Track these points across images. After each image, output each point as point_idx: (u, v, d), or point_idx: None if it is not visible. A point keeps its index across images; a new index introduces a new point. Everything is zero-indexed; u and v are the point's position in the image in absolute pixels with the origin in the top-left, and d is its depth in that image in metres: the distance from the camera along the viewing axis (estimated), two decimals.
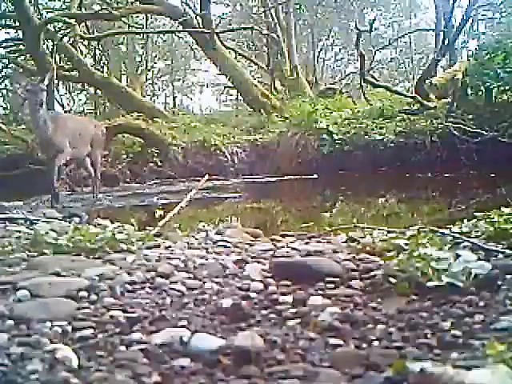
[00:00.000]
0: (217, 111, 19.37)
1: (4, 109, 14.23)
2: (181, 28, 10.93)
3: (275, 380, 0.88)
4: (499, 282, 1.27)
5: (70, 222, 3.17)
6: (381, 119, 8.36)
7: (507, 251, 1.51)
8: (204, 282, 1.49)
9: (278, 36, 13.12)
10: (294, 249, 1.91)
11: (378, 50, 14.08)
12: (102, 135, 6.52)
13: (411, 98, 8.37)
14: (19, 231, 2.50)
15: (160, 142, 8.77)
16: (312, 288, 1.40)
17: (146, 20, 14.17)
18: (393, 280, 1.35)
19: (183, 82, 22.30)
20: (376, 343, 1.02)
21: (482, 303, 1.17)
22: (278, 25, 13.40)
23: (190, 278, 1.54)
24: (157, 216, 2.94)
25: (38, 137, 5.66)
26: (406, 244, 1.59)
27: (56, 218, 3.67)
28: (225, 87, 19.20)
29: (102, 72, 12.86)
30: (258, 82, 13.16)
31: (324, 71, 21.07)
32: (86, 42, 12.99)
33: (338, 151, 7.99)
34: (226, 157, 8.99)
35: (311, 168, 7.69)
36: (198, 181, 5.06)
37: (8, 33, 12.10)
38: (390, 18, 23.00)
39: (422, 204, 5.23)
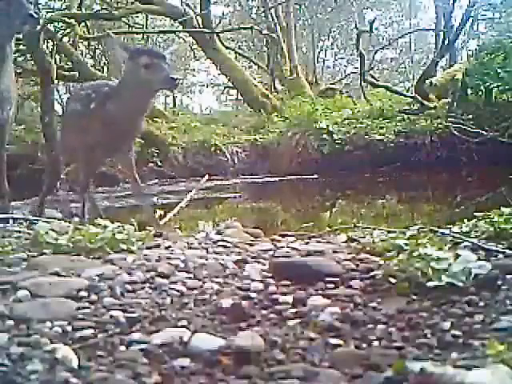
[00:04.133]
0: (217, 111, 19.38)
1: None
2: (181, 28, 10.93)
3: (275, 380, 0.88)
4: (499, 282, 1.27)
5: (70, 222, 3.16)
6: (381, 119, 8.37)
7: (507, 251, 1.51)
8: (204, 282, 1.49)
9: (277, 36, 13.11)
10: (294, 249, 1.91)
11: (378, 50, 14.11)
12: None
13: (411, 97, 8.38)
14: (19, 231, 2.50)
15: (160, 142, 8.77)
16: (312, 288, 1.39)
17: (146, 20, 14.16)
18: (393, 280, 1.35)
19: (183, 82, 22.30)
20: (376, 343, 1.02)
21: (482, 303, 1.17)
22: (277, 25, 13.39)
23: (190, 278, 1.54)
24: (157, 216, 2.94)
25: None
26: (406, 244, 1.59)
27: (56, 218, 3.67)
28: (225, 87, 19.22)
29: (102, 72, 12.86)
30: (258, 82, 13.16)
31: (324, 71, 21.07)
32: (85, 42, 12.98)
33: (337, 151, 8.00)
34: (226, 157, 8.99)
35: (311, 168, 7.69)
36: (198, 181, 5.06)
37: None
38: (390, 17, 23.03)
39: (422, 204, 5.23)
